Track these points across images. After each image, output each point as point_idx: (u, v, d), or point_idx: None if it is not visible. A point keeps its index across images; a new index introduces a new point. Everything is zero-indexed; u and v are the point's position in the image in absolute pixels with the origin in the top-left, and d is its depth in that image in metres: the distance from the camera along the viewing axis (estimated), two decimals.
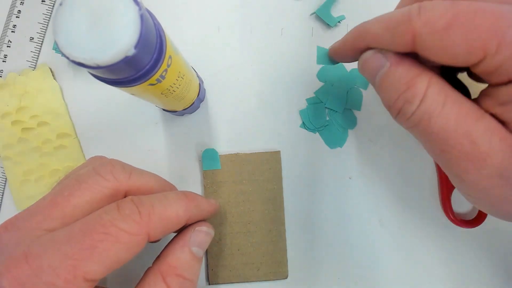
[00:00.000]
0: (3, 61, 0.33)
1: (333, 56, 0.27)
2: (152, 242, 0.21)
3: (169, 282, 0.20)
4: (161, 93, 0.21)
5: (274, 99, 0.33)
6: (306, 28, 0.33)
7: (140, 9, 0.15)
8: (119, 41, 0.14)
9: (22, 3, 0.33)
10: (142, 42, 0.15)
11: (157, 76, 0.18)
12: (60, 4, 0.15)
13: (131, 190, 0.22)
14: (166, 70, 0.19)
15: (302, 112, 0.32)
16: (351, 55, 0.24)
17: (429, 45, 0.18)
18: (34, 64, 0.33)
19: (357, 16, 0.33)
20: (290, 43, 0.33)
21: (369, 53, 0.21)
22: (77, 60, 0.15)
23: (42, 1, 0.33)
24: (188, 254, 0.22)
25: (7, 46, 0.33)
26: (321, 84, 0.33)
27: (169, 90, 0.21)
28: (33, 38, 0.33)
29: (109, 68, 0.15)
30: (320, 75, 0.33)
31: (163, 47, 0.18)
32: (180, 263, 0.21)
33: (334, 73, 0.33)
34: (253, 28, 0.33)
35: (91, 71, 0.16)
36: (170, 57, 0.19)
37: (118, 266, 0.19)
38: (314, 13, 0.33)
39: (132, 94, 0.20)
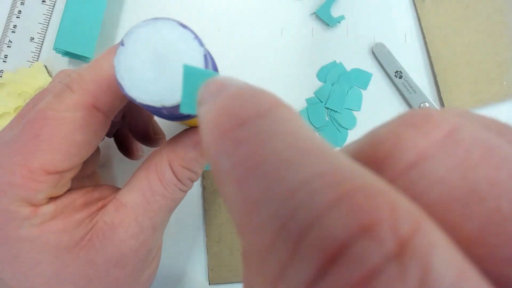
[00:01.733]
0: (3, 61, 0.33)
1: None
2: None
3: (175, 170, 0.20)
4: None
5: None
6: (306, 28, 0.33)
7: (204, 50, 0.14)
8: None
9: (22, 3, 0.33)
10: None
11: None
12: (122, 45, 0.14)
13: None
14: None
15: (301, 112, 0.32)
16: None
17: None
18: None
19: (357, 16, 0.33)
20: (290, 43, 0.33)
21: None
22: (145, 102, 0.14)
23: (43, 1, 0.33)
24: (200, 154, 0.21)
25: (8, 46, 0.33)
26: (321, 84, 0.33)
27: None
28: (33, 38, 0.33)
29: (174, 107, 0.15)
30: (320, 75, 0.33)
31: None
32: (188, 157, 0.20)
33: (334, 73, 0.33)
34: (253, 28, 0.33)
35: (153, 109, 0.15)
36: None
37: (84, 150, 0.18)
38: (314, 13, 0.33)
39: (178, 123, 0.20)
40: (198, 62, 0.14)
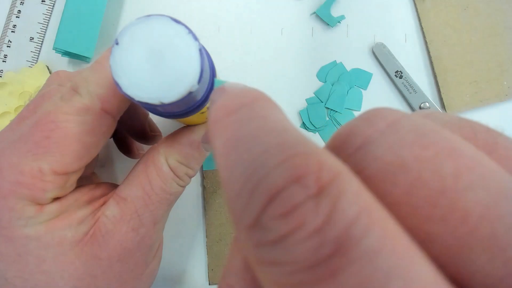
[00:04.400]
0: (3, 61, 0.33)
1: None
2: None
3: (172, 165, 0.20)
4: (206, 118, 0.21)
5: (273, 99, 0.33)
6: (306, 28, 0.33)
7: (199, 44, 0.14)
8: (184, 78, 0.14)
9: (22, 3, 0.33)
10: (203, 75, 0.15)
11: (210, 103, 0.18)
12: (117, 44, 0.14)
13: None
14: None
15: (302, 112, 0.32)
16: None
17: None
18: (34, 64, 0.33)
19: (357, 16, 0.33)
20: (290, 43, 0.33)
21: None
22: (143, 100, 0.14)
23: (42, 1, 0.33)
24: (196, 150, 0.21)
25: (7, 46, 0.33)
26: (321, 84, 0.33)
27: None
28: (33, 38, 0.33)
29: (172, 104, 0.15)
30: (320, 75, 0.33)
31: (215, 74, 0.18)
32: (184, 153, 0.21)
33: (334, 73, 0.33)
34: (253, 28, 0.33)
35: (151, 106, 0.15)
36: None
37: (93, 152, 0.19)
38: (314, 13, 0.33)
39: (177, 121, 0.20)
40: (193, 56, 0.14)
